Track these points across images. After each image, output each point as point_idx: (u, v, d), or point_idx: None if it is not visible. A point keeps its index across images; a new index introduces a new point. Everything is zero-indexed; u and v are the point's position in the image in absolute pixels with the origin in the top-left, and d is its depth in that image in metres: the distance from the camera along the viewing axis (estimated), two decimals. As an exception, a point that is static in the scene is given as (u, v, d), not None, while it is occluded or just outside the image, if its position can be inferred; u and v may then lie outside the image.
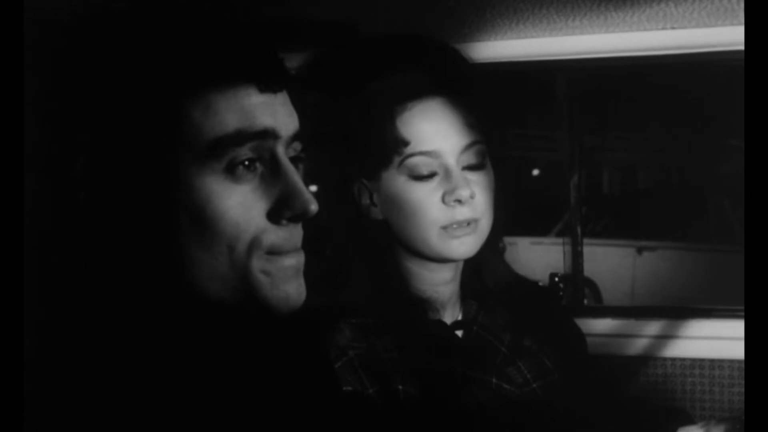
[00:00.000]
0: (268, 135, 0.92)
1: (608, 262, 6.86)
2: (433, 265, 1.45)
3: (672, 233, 7.61)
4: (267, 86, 0.93)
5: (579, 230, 2.38)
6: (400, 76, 1.41)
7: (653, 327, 2.08)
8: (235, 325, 0.96)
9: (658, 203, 8.96)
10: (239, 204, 0.91)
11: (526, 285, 1.59)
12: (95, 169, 0.90)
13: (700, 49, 1.86)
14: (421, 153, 1.39)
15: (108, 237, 0.91)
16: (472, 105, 1.42)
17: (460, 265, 1.48)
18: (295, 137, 0.96)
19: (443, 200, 1.39)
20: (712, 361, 2.02)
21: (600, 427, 1.52)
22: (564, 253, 2.39)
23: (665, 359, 2.05)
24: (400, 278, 1.46)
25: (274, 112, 0.93)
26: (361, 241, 1.45)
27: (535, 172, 13.30)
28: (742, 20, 1.76)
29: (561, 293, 2.31)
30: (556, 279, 2.32)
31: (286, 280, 0.94)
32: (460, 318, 1.50)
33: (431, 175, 1.40)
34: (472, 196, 1.39)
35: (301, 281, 0.95)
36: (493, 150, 1.46)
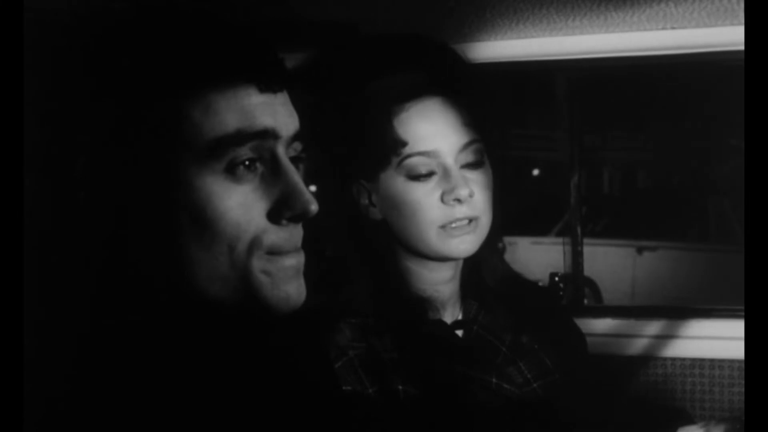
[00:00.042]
0: (269, 135, 0.92)
1: (608, 262, 6.85)
2: (432, 264, 1.45)
3: (672, 233, 7.61)
4: (267, 86, 0.93)
5: (579, 230, 2.37)
6: (397, 77, 1.41)
7: (653, 327, 2.08)
8: (235, 325, 0.96)
9: (658, 203, 8.96)
10: (239, 204, 0.91)
11: (526, 284, 1.59)
12: (95, 169, 0.90)
13: (700, 49, 1.86)
14: (420, 153, 1.39)
15: (108, 237, 0.91)
16: (469, 104, 1.43)
17: (460, 263, 1.48)
18: (296, 137, 0.96)
19: (442, 200, 1.39)
20: (712, 361, 2.02)
21: (600, 427, 1.52)
22: (564, 253, 2.39)
23: (665, 359, 2.05)
24: (400, 278, 1.46)
25: (275, 112, 0.93)
26: (361, 241, 1.45)
27: (535, 172, 13.30)
28: (742, 20, 1.76)
29: (561, 293, 2.31)
30: (556, 279, 2.32)
31: (287, 280, 0.94)
32: (460, 317, 1.50)
33: (430, 175, 1.40)
34: (471, 195, 1.40)
35: (302, 281, 0.96)
36: (491, 148, 1.46)
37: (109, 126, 0.90)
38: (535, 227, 7.69)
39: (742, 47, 1.69)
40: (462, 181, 1.39)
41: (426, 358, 1.40)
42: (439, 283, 1.47)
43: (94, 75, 0.91)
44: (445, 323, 1.47)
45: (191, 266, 0.91)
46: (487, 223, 1.44)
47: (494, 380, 1.43)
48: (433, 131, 1.39)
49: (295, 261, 0.95)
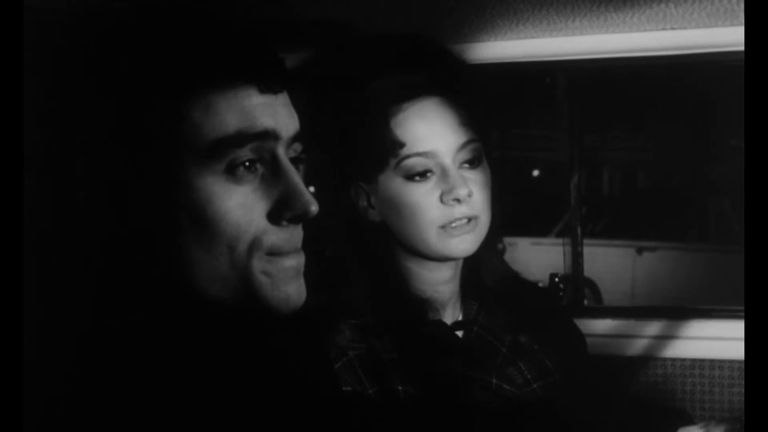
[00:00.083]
0: (269, 136, 0.92)
1: (608, 262, 6.85)
2: (432, 265, 1.45)
3: (672, 233, 7.61)
4: (267, 87, 0.93)
5: (579, 230, 2.37)
6: (394, 78, 1.41)
7: (653, 327, 2.08)
8: (235, 325, 0.96)
9: (658, 203, 8.96)
10: (240, 205, 0.91)
11: (526, 285, 1.59)
12: (95, 169, 0.90)
13: (700, 49, 1.85)
14: (418, 154, 1.39)
15: (108, 237, 0.91)
16: (466, 104, 1.43)
17: (460, 264, 1.48)
18: (296, 138, 0.96)
19: (441, 200, 1.39)
20: (712, 361, 2.02)
21: (600, 428, 1.52)
22: (564, 254, 2.39)
23: (665, 359, 2.05)
24: (400, 279, 1.46)
25: (275, 113, 0.93)
26: (360, 243, 1.45)
27: (535, 172, 13.29)
28: (742, 20, 1.76)
29: (561, 293, 2.31)
30: (556, 279, 2.32)
31: (287, 281, 0.94)
32: (460, 318, 1.50)
33: (428, 176, 1.40)
34: (469, 195, 1.40)
35: (302, 282, 0.96)
36: (488, 148, 1.46)
37: (109, 126, 0.90)
38: (535, 228, 7.69)
39: (742, 47, 1.69)
40: (460, 181, 1.39)
41: (426, 359, 1.40)
42: (439, 283, 1.47)
43: (94, 75, 0.91)
44: (445, 324, 1.47)
45: (191, 266, 0.91)
46: (487, 223, 1.44)
47: (494, 381, 1.43)
48: (430, 131, 1.39)
49: (295, 262, 0.95)
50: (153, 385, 0.88)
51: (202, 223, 0.90)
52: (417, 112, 1.40)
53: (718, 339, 2.02)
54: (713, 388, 2.02)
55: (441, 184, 1.40)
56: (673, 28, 1.84)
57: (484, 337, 1.49)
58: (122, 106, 0.89)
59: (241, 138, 0.90)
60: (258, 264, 0.92)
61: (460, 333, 1.48)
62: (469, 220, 1.41)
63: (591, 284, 6.18)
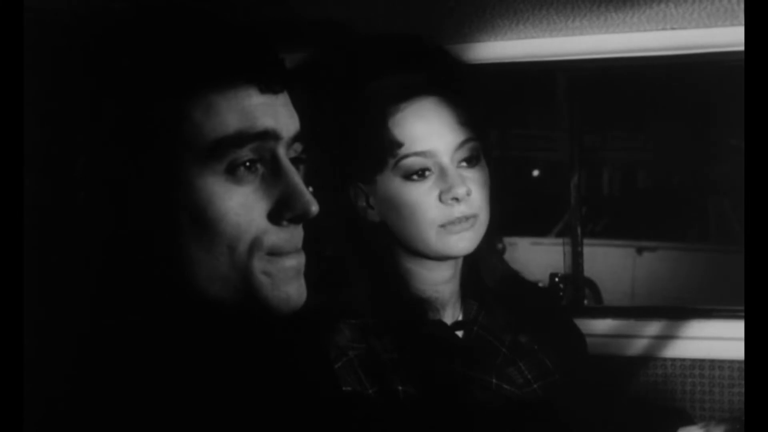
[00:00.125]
0: (269, 136, 0.92)
1: (608, 262, 6.85)
2: (432, 264, 1.45)
3: (672, 233, 7.61)
4: (268, 87, 0.93)
5: (579, 230, 2.37)
6: (391, 78, 1.41)
7: (653, 327, 2.08)
8: (235, 325, 0.96)
9: (658, 203, 8.96)
10: (240, 205, 0.91)
11: (526, 284, 1.59)
12: (95, 169, 0.90)
13: (700, 49, 1.86)
14: (416, 153, 1.39)
15: (108, 237, 0.91)
16: (463, 103, 1.43)
17: (459, 263, 1.49)
18: (296, 138, 0.96)
19: (440, 199, 1.39)
20: (712, 361, 2.02)
21: (600, 428, 1.52)
22: (564, 254, 2.39)
23: (665, 360, 2.05)
24: (400, 279, 1.46)
25: (275, 113, 0.93)
26: (359, 243, 1.45)
27: (535, 172, 13.30)
28: (742, 20, 1.76)
29: (561, 293, 2.31)
30: (556, 279, 2.32)
31: (287, 281, 0.94)
32: (460, 318, 1.50)
33: (426, 175, 1.40)
34: (468, 194, 1.40)
35: (302, 282, 0.96)
36: (487, 146, 1.46)
37: (109, 126, 0.90)
38: (535, 228, 7.69)
39: (742, 47, 1.69)
40: (459, 180, 1.39)
41: (426, 359, 1.40)
42: (439, 283, 1.47)
43: (94, 75, 0.91)
44: (445, 324, 1.47)
45: (191, 266, 0.91)
46: (486, 221, 1.44)
47: (494, 381, 1.43)
48: (428, 131, 1.39)
49: (296, 262, 0.95)
50: (153, 385, 0.88)
51: (203, 223, 0.90)
52: (415, 112, 1.40)
53: (718, 339, 2.02)
54: (713, 388, 2.02)
55: (439, 183, 1.40)
56: (673, 28, 1.84)
57: (484, 337, 1.49)
58: (122, 106, 0.89)
59: (242, 138, 0.90)
60: (258, 264, 0.92)
61: (460, 333, 1.48)
62: (469, 218, 1.41)
63: (591, 284, 6.17)
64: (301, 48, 1.54)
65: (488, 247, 1.50)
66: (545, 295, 1.79)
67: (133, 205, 0.90)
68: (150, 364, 0.89)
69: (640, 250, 7.31)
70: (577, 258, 2.36)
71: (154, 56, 0.90)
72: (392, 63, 1.43)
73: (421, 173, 1.39)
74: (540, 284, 1.92)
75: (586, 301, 2.73)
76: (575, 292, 2.35)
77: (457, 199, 1.39)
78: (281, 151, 0.94)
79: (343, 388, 1.31)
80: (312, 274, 0.97)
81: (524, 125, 12.50)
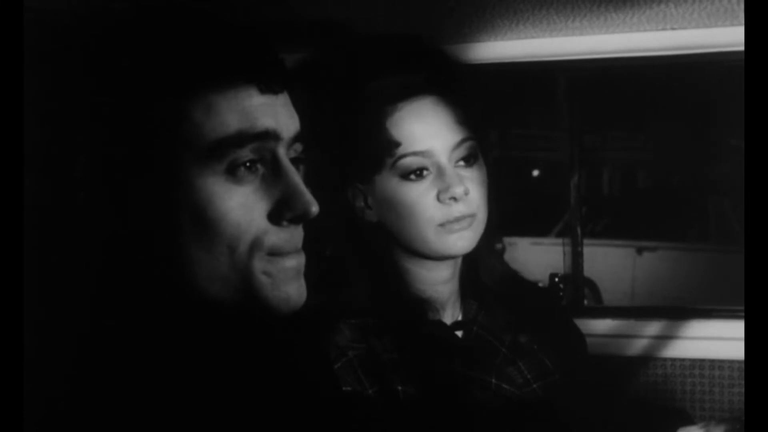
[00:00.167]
0: (269, 136, 0.92)
1: (608, 262, 6.84)
2: (431, 264, 1.45)
3: (672, 233, 7.61)
4: (268, 87, 0.93)
5: (579, 230, 2.37)
6: (388, 78, 1.41)
7: (653, 327, 2.08)
8: (235, 325, 0.96)
9: (658, 203, 8.96)
10: (240, 205, 0.91)
11: (526, 284, 1.59)
12: (95, 169, 0.90)
13: (700, 49, 1.86)
14: (414, 153, 1.39)
15: (108, 237, 0.91)
16: (461, 102, 1.43)
17: (458, 263, 1.49)
18: (297, 138, 0.96)
19: (438, 198, 1.39)
20: (711, 361, 2.02)
21: (600, 428, 1.52)
22: (564, 254, 2.39)
23: (665, 360, 2.05)
24: (399, 279, 1.46)
25: (276, 114, 0.93)
26: (359, 243, 1.45)
27: (535, 172, 13.29)
28: (742, 20, 1.76)
29: (561, 293, 2.31)
30: (556, 279, 2.32)
31: (287, 281, 0.94)
32: (460, 318, 1.50)
33: (424, 175, 1.40)
34: (466, 193, 1.40)
35: (302, 282, 0.96)
36: (485, 146, 1.46)
37: (109, 126, 0.90)
38: (535, 228, 7.69)
39: (742, 47, 1.69)
40: (457, 179, 1.39)
41: (426, 359, 1.40)
42: (438, 283, 1.47)
43: (94, 75, 0.91)
44: (444, 324, 1.47)
45: (191, 266, 0.91)
46: (484, 220, 1.44)
47: (494, 381, 1.43)
48: (426, 131, 1.40)
49: (296, 262, 0.95)
50: (153, 385, 0.88)
51: (203, 223, 0.90)
52: (412, 112, 1.40)
53: (718, 339, 2.02)
54: (713, 388, 2.02)
55: (437, 183, 1.40)
56: (673, 28, 1.85)
57: (483, 336, 1.49)
58: (122, 106, 0.89)
59: (242, 138, 0.90)
60: (259, 264, 0.92)
61: (459, 333, 1.48)
62: (467, 217, 1.41)
63: (591, 284, 6.18)
64: (301, 48, 1.54)
65: (487, 247, 1.50)
66: (545, 295, 1.79)
67: (133, 205, 0.90)
68: (150, 364, 0.89)
69: (640, 250, 7.31)
70: (577, 258, 2.36)
71: (154, 56, 0.90)
72: (392, 63, 1.43)
73: (418, 173, 1.40)
74: (540, 284, 1.92)
75: (585, 301, 2.74)
76: (575, 292, 2.35)
77: (455, 199, 1.39)
78: (281, 152, 0.94)
79: (343, 388, 1.31)
80: (312, 274, 0.97)
81: (524, 125, 12.50)
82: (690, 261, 7.00)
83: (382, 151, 1.39)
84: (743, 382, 1.96)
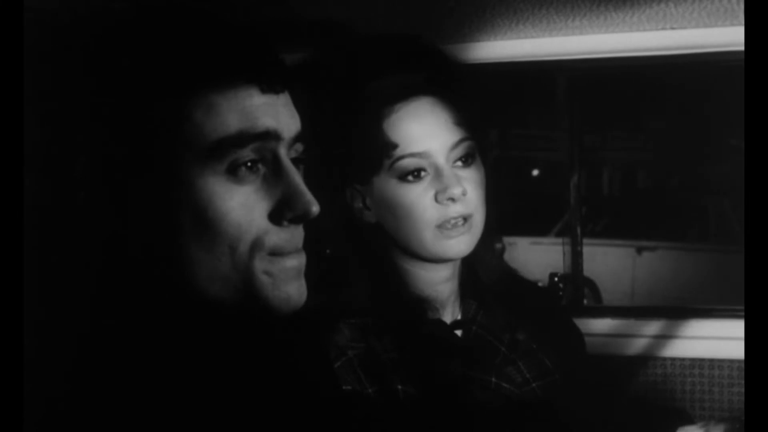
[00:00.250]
0: (270, 136, 0.92)
1: (608, 262, 6.85)
2: (429, 265, 1.45)
3: (672, 233, 7.61)
4: (269, 87, 0.93)
5: (579, 230, 2.37)
6: (385, 79, 1.41)
7: (653, 327, 2.08)
8: (235, 325, 0.96)
9: (658, 203, 8.96)
10: (241, 205, 0.91)
11: (525, 284, 1.59)
12: (95, 169, 0.90)
13: (700, 49, 1.86)
14: (411, 155, 1.39)
15: (108, 237, 0.91)
16: (459, 102, 1.43)
17: (458, 263, 1.48)
18: (297, 138, 0.96)
19: (436, 199, 1.39)
20: (711, 361, 2.02)
21: (600, 427, 1.52)
22: (564, 253, 2.39)
23: (665, 359, 2.05)
24: (399, 279, 1.46)
25: (276, 114, 0.93)
26: (359, 243, 1.45)
27: (535, 172, 13.30)
28: (742, 20, 1.76)
29: (561, 293, 2.31)
30: (556, 279, 2.32)
31: (288, 281, 0.94)
32: (459, 317, 1.50)
33: (422, 176, 1.40)
34: (464, 193, 1.40)
35: (303, 282, 0.96)
36: (483, 146, 1.46)
37: (109, 126, 0.90)
38: (535, 227, 7.69)
39: (742, 47, 1.69)
40: (454, 180, 1.39)
41: (425, 359, 1.40)
42: (438, 282, 1.47)
43: (94, 75, 0.91)
44: (444, 323, 1.47)
45: (191, 266, 0.91)
46: (482, 221, 1.44)
47: (494, 380, 1.43)
48: (423, 132, 1.39)
49: (297, 262, 0.95)
50: (153, 385, 0.88)
51: (203, 223, 0.90)
52: (410, 113, 1.40)
53: (718, 339, 2.03)
54: (713, 387, 2.02)
55: (435, 184, 1.40)
56: (673, 28, 1.85)
57: (483, 336, 1.49)
58: (122, 106, 0.89)
59: (243, 138, 0.90)
60: (260, 264, 0.92)
61: (459, 332, 1.48)
62: (465, 219, 1.41)
63: (591, 284, 6.18)
64: (301, 48, 1.54)
65: (485, 246, 1.49)
66: (545, 295, 1.79)
67: (134, 205, 0.90)
68: (150, 364, 0.89)
69: (640, 250, 7.31)
70: (576, 258, 2.36)
71: (154, 56, 0.90)
72: (391, 63, 1.43)
73: (416, 174, 1.39)
74: (539, 284, 1.92)
75: (585, 301, 2.73)
76: (575, 291, 2.35)
77: (452, 200, 1.39)
78: (282, 152, 0.94)
79: (343, 388, 1.31)
80: (312, 274, 0.97)
81: (524, 125, 12.50)
82: (690, 261, 7.00)
83: (380, 152, 1.39)
84: (743, 381, 1.96)
